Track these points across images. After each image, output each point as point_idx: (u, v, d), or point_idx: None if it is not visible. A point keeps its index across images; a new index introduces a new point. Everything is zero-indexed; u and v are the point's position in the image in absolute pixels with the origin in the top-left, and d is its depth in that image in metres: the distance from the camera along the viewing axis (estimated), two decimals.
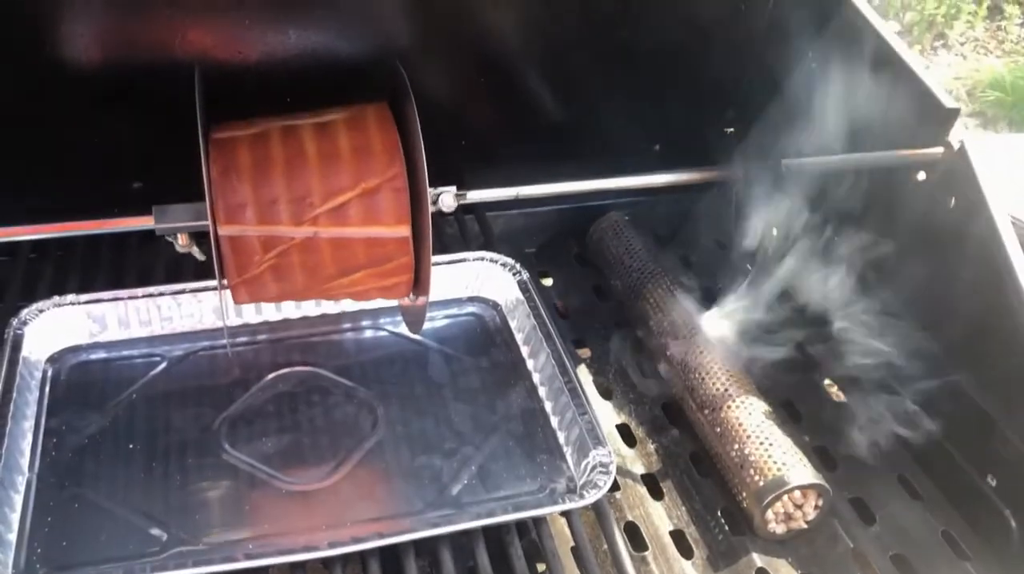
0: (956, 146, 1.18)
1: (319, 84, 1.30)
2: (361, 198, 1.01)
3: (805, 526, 1.09)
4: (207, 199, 0.98)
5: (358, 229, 1.01)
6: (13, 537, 0.96)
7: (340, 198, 1.00)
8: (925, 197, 1.22)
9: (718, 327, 1.28)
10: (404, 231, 1.03)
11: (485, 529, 1.00)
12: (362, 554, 0.96)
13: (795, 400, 1.27)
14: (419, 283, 1.07)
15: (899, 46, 1.27)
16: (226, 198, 0.99)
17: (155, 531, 0.98)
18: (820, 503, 1.09)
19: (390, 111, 1.06)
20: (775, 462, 1.08)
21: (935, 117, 1.20)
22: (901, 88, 1.24)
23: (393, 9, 1.32)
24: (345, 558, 0.95)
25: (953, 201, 1.18)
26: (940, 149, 1.19)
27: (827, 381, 1.32)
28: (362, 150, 1.02)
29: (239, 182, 0.99)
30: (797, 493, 1.07)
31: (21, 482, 1.01)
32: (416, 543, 0.97)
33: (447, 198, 1.10)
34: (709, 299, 1.41)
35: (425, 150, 0.99)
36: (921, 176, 1.22)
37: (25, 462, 1.03)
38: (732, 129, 1.58)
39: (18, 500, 0.99)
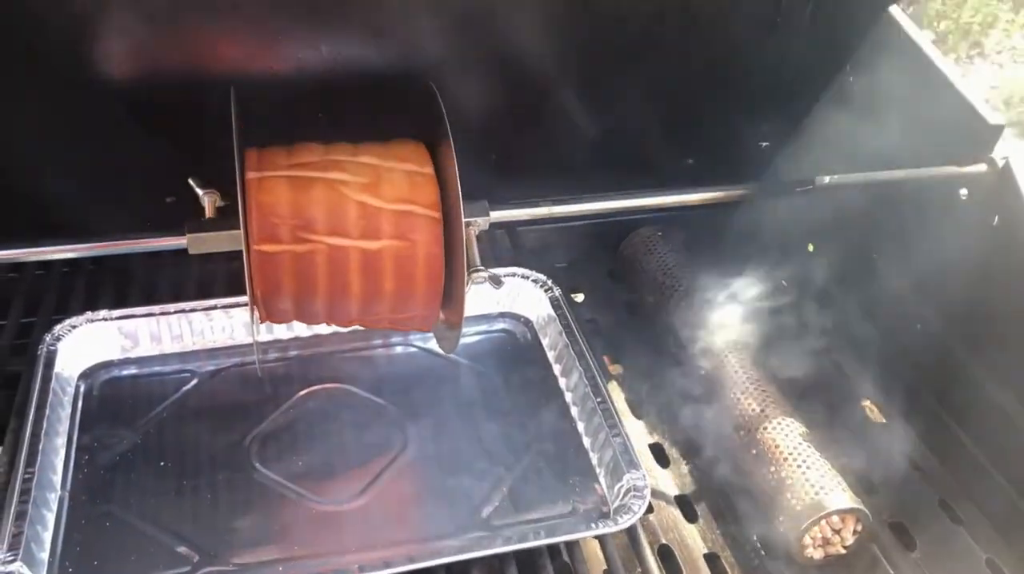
0: (1000, 163, 1.15)
1: (351, 99, 1.30)
2: (394, 319, 1.06)
3: (843, 551, 1.06)
4: (247, 280, 0.98)
5: (388, 324, 1.09)
6: (45, 556, 0.96)
7: (376, 317, 1.05)
8: (967, 215, 1.19)
9: (753, 345, 1.26)
10: (427, 331, 1.12)
11: (517, 552, 0.98)
12: None
13: (833, 421, 1.24)
14: (452, 307, 1.06)
15: (940, 59, 1.24)
16: (269, 306, 1.02)
17: (185, 551, 0.97)
18: (859, 528, 1.06)
19: (442, 225, 1.01)
20: (812, 485, 1.05)
21: (978, 133, 1.17)
22: (942, 102, 1.21)
23: (425, 23, 1.31)
24: None
25: (997, 219, 1.15)
26: (984, 166, 1.16)
27: (866, 401, 1.29)
28: (405, 295, 1.02)
29: (283, 300, 1.01)
30: (835, 518, 1.05)
31: (53, 500, 1.01)
32: (447, 566, 0.96)
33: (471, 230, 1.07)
34: (744, 315, 1.39)
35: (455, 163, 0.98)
36: (964, 193, 1.19)
37: (57, 479, 1.03)
38: (767, 143, 1.56)
39: (50, 518, 0.99)
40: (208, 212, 1.03)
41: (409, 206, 0.99)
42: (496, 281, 1.06)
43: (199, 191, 1.02)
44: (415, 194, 1.00)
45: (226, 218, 1.03)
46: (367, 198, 0.98)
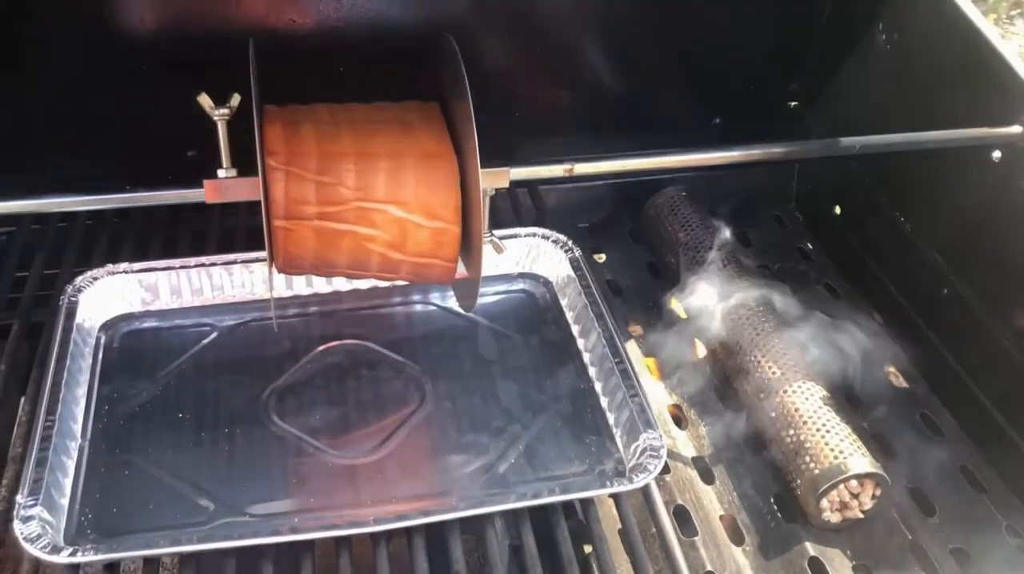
0: None
1: (371, 54, 1.29)
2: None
3: (861, 516, 1.05)
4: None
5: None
6: (65, 502, 0.97)
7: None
8: (999, 177, 1.16)
9: (774, 307, 1.25)
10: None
11: (531, 509, 0.98)
12: (407, 530, 0.95)
13: (855, 385, 1.23)
14: (470, 267, 1.07)
15: (976, 16, 1.21)
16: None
17: (202, 501, 0.98)
18: (877, 493, 1.05)
19: (455, 271, 1.08)
20: (832, 449, 1.04)
21: (1014, 93, 1.14)
22: (977, 62, 1.18)
23: None
24: (390, 534, 0.94)
25: None
26: (1018, 128, 1.13)
27: (890, 367, 1.27)
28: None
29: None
30: (854, 482, 1.04)
31: (74, 448, 1.02)
32: (461, 520, 0.96)
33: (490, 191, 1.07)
34: (768, 278, 1.37)
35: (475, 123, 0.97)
36: (996, 156, 1.16)
37: (78, 428, 1.04)
38: (796, 103, 1.53)
39: (71, 465, 1.00)
40: (220, 133, 1.02)
41: (430, 259, 1.06)
42: (497, 246, 1.10)
43: (211, 111, 1.02)
44: (438, 251, 1.05)
45: (245, 176, 1.03)
46: (391, 252, 1.05)
